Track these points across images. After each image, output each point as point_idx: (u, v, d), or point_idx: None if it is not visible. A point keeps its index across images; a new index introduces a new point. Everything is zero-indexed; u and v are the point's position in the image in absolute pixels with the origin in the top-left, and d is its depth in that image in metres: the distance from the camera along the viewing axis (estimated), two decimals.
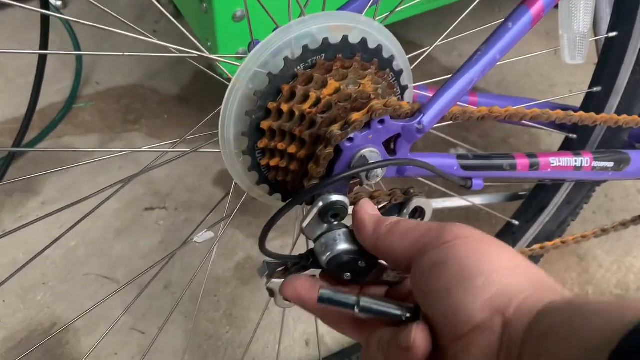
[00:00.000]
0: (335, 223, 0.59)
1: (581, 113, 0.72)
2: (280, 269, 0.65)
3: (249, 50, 0.56)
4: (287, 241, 1.16)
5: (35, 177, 1.24)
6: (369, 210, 0.52)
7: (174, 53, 0.57)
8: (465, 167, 0.64)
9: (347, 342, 1.04)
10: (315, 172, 0.56)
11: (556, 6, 0.65)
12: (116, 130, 1.35)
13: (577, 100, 0.91)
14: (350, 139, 0.53)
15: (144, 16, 1.68)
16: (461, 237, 0.40)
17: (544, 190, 0.96)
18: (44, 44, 1.08)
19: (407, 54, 0.60)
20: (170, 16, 0.57)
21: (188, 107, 1.41)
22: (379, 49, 0.57)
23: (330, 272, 0.61)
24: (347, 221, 0.56)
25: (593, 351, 0.28)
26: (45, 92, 1.26)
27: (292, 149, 0.56)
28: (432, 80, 0.76)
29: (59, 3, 1.62)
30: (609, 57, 0.83)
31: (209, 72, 0.69)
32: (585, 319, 0.31)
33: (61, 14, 1.56)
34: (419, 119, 0.55)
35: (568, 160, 0.74)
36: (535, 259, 1.01)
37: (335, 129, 0.52)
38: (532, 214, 0.97)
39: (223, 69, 0.61)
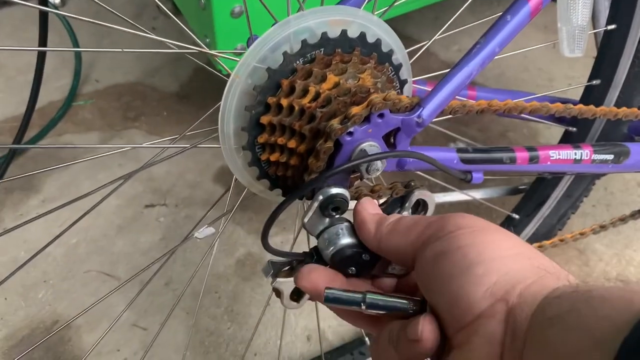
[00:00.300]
0: (337, 217, 0.59)
1: (580, 106, 0.72)
2: (285, 268, 0.65)
3: (248, 46, 0.56)
4: (288, 237, 1.16)
5: (36, 175, 1.24)
6: (370, 209, 0.52)
7: (172, 49, 0.57)
8: (465, 161, 0.64)
9: (348, 337, 1.04)
10: (316, 166, 0.56)
11: None
12: (116, 128, 1.35)
13: (577, 94, 0.91)
14: (350, 133, 0.53)
15: (142, 13, 1.68)
16: (463, 227, 0.40)
17: (543, 184, 0.96)
18: (42, 41, 1.08)
19: (406, 48, 0.60)
20: (168, 12, 0.57)
21: (188, 104, 1.40)
22: (378, 43, 0.57)
23: (335, 267, 0.61)
24: (349, 215, 0.56)
25: (602, 340, 0.28)
26: (44, 90, 1.26)
27: (292, 144, 0.56)
28: (431, 75, 0.76)
29: (57, 1, 1.62)
30: (608, 49, 0.83)
31: (208, 67, 0.69)
32: (591, 305, 0.31)
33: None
34: (418, 112, 0.55)
35: (568, 153, 0.74)
36: None
37: (335, 123, 0.52)
38: (532, 207, 0.97)
39: (222, 64, 0.61)
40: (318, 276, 0.51)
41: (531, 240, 0.98)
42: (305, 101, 0.54)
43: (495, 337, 0.35)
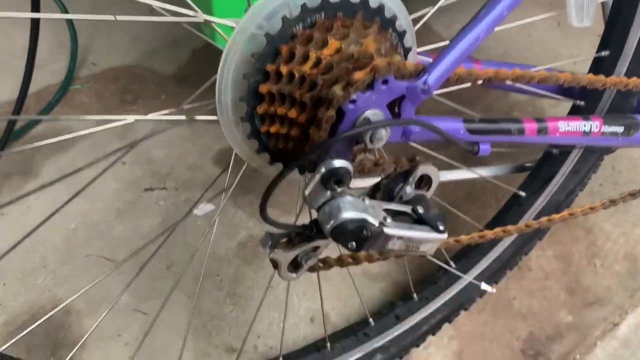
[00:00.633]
0: (339, 190, 0.57)
1: (590, 75, 0.70)
2: (283, 240, 0.64)
3: None
4: (290, 219, 1.14)
5: (34, 159, 1.23)
6: None
7: (167, 16, 0.55)
8: (471, 131, 0.62)
9: (352, 319, 1.02)
10: (317, 136, 0.54)
11: None
12: (114, 112, 1.33)
13: (584, 69, 0.89)
14: (353, 101, 0.51)
15: None
16: None
17: (551, 160, 0.94)
18: (35, 7, 1.04)
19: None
20: None
21: (186, 86, 1.38)
22: (381, 8, 0.55)
23: (335, 241, 0.59)
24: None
25: None
26: (40, 74, 1.24)
27: (292, 114, 0.54)
28: (435, 45, 0.73)
29: None
30: (617, 19, 0.80)
31: (204, 36, 0.67)
32: None
33: None
34: (423, 78, 0.53)
35: (577, 125, 0.72)
36: (542, 232, 0.99)
37: (337, 89, 0.50)
38: (539, 184, 0.95)
39: (219, 31, 0.58)
40: None
41: (538, 218, 0.96)
42: (306, 68, 0.51)
43: None
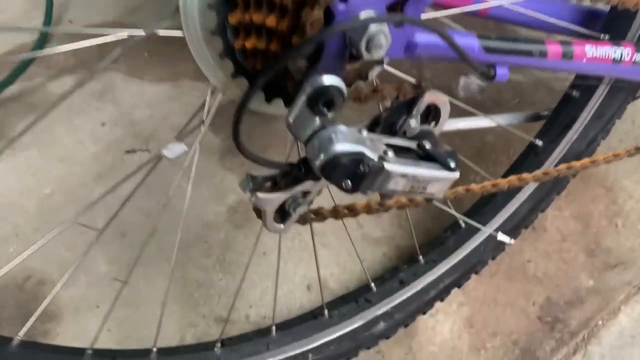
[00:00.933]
0: (330, 117, 0.48)
1: None
2: (268, 183, 0.55)
3: None
4: None
5: (7, 123, 1.13)
6: None
7: None
8: (488, 49, 0.53)
9: (352, 285, 0.94)
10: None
11: None
12: (93, 71, 1.23)
13: None
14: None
15: None
16: None
17: (570, 104, 0.84)
18: None
19: None
20: None
21: (170, 43, 1.28)
22: None
23: (327, 180, 0.50)
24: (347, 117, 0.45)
25: None
26: (14, 33, 1.15)
27: (271, 21, 0.45)
28: None
29: None
30: None
31: None
32: None
33: None
34: None
35: (606, 51, 0.63)
36: (560, 184, 0.90)
37: None
38: (558, 131, 0.86)
39: None
40: None
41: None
42: None
43: None
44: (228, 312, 0.90)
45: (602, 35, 0.78)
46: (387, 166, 0.48)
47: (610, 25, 0.77)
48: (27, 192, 1.03)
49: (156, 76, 1.23)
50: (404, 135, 0.56)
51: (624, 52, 0.64)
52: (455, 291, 0.92)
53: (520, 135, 0.87)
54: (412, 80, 0.67)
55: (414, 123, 0.55)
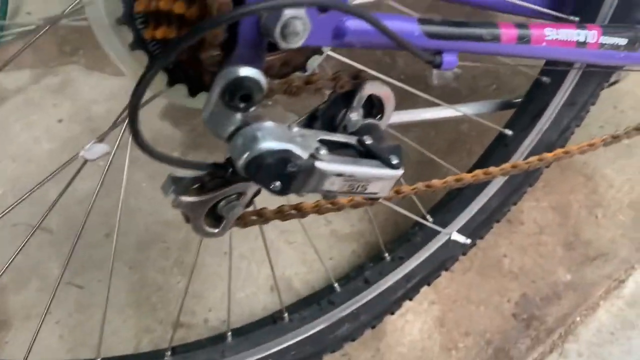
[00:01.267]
0: (252, 112, 0.43)
1: None
2: (195, 185, 0.50)
3: None
4: None
5: None
6: None
7: None
8: (430, 35, 0.48)
9: (318, 285, 0.90)
10: (211, 35, 0.39)
11: None
12: (50, 64, 1.18)
13: None
14: None
15: None
16: None
17: (541, 90, 0.79)
18: None
19: None
20: None
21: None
22: None
23: (255, 182, 0.46)
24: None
25: None
26: None
27: (179, 8, 0.40)
28: None
29: None
30: None
31: None
32: None
33: None
34: None
35: (569, 33, 0.58)
36: (533, 175, 0.85)
37: None
38: (529, 120, 0.81)
39: None
40: None
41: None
42: None
43: None
44: (187, 316, 0.86)
45: (572, 18, 0.73)
46: (319, 165, 0.43)
47: (580, 7, 0.71)
48: None
49: (115, 69, 1.17)
50: (344, 130, 0.51)
51: (588, 34, 0.59)
52: (425, 289, 0.88)
53: (488, 125, 0.82)
54: (370, 70, 0.62)
55: (355, 117, 0.51)
